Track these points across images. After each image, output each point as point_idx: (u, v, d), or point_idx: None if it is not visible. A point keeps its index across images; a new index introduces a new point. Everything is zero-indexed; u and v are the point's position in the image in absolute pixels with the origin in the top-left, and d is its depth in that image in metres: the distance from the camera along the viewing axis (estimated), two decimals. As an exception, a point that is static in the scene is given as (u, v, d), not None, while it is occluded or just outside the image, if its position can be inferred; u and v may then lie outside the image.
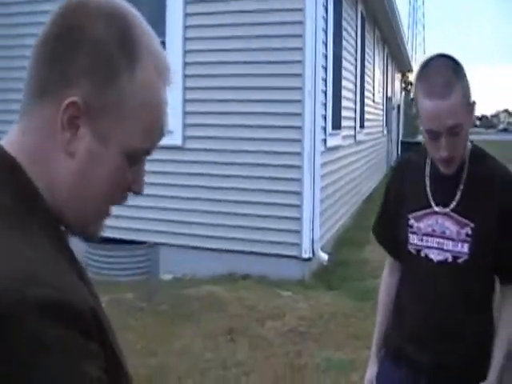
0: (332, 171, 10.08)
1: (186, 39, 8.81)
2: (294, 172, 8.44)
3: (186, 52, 8.81)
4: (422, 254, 2.52)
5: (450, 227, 2.45)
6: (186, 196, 8.89)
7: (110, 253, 8.88)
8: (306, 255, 8.43)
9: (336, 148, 10.46)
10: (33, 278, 0.95)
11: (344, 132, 11.23)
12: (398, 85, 31.11)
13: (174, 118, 8.74)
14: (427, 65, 2.37)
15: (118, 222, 8.81)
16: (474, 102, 2.37)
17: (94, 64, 1.09)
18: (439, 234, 2.47)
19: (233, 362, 5.87)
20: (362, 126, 14.25)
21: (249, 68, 8.54)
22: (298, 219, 8.45)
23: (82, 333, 0.96)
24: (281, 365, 5.80)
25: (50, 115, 1.09)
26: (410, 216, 2.55)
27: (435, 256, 2.48)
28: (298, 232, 8.45)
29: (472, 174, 2.47)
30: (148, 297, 7.70)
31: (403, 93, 36.59)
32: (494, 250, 2.43)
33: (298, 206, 8.45)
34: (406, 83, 39.80)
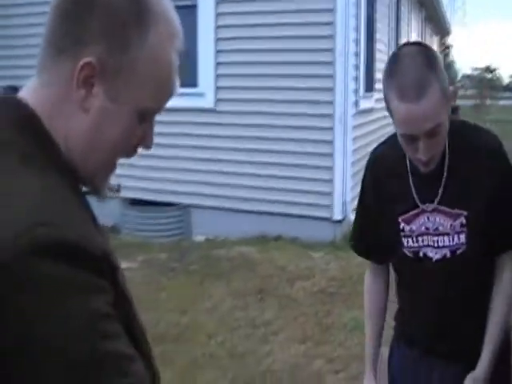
0: (364, 134, 10.05)
1: (217, 2, 8.82)
2: (326, 134, 8.45)
3: (218, 15, 8.83)
4: (421, 254, 2.33)
5: (443, 222, 2.26)
6: (218, 158, 8.95)
7: (143, 214, 9.01)
8: (337, 217, 8.47)
9: (369, 110, 10.43)
10: (45, 219, 1.01)
11: (377, 95, 11.15)
12: (435, 48, 30.75)
13: (206, 81, 8.81)
14: (396, 58, 2.08)
15: (152, 184, 8.94)
16: (453, 92, 2.14)
17: (108, 28, 1.15)
18: (433, 232, 2.28)
19: (262, 320, 5.97)
20: (396, 89, 14.11)
21: (280, 30, 8.52)
22: (330, 181, 8.49)
23: (94, 272, 1.03)
24: (309, 324, 5.89)
25: (67, 73, 1.15)
26: (399, 219, 2.33)
27: (433, 254, 2.30)
28: (330, 194, 8.49)
29: (454, 156, 2.23)
30: (180, 257, 7.82)
31: (441, 56, 36.20)
32: (489, 226, 2.25)
33: (330, 168, 8.47)
34: (444, 46, 39.41)
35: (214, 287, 6.82)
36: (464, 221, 2.24)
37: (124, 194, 9.17)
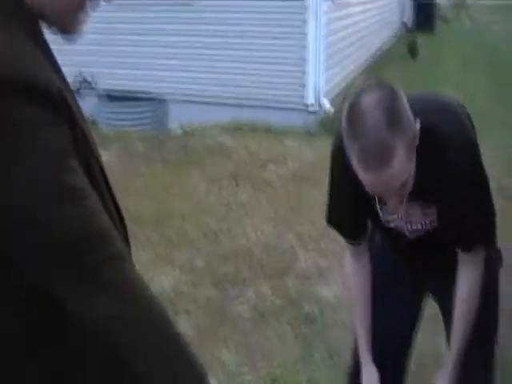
0: (340, 26, 10.01)
1: None
2: (300, 25, 8.55)
3: None
4: (394, 227, 2.29)
5: (415, 212, 2.20)
6: (193, 52, 9.02)
7: (120, 107, 9.08)
8: (311, 106, 8.61)
9: (345, 4, 10.37)
10: (5, 62, 1.12)
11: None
12: None
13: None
14: (355, 113, 1.83)
15: (127, 77, 8.98)
16: (417, 131, 1.89)
17: None
18: (406, 219, 2.23)
19: (236, 203, 6.19)
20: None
21: None
22: (304, 72, 8.61)
23: (50, 105, 1.13)
24: (281, 206, 6.11)
25: None
26: (374, 203, 2.23)
27: (408, 234, 2.28)
28: (304, 85, 8.62)
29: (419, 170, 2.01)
30: (157, 147, 7.96)
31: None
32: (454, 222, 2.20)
33: (304, 60, 8.60)
34: None
35: (190, 174, 7.00)
36: (435, 211, 2.19)
37: (100, 87, 9.23)
